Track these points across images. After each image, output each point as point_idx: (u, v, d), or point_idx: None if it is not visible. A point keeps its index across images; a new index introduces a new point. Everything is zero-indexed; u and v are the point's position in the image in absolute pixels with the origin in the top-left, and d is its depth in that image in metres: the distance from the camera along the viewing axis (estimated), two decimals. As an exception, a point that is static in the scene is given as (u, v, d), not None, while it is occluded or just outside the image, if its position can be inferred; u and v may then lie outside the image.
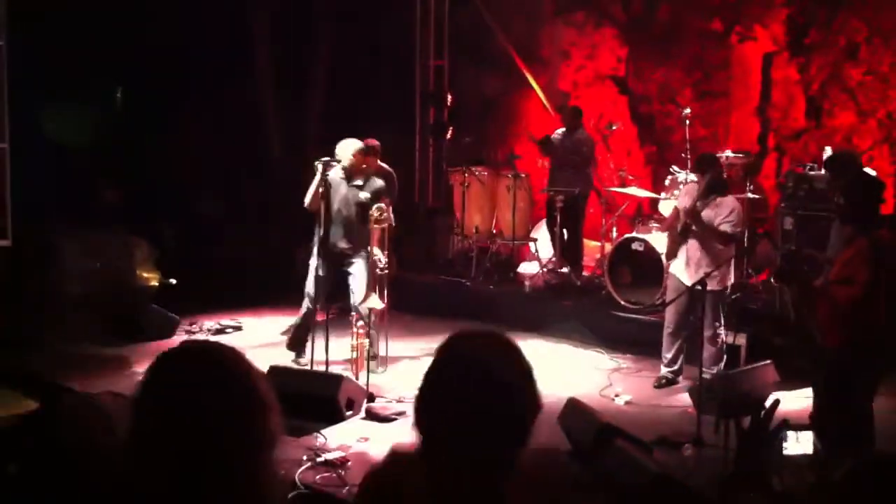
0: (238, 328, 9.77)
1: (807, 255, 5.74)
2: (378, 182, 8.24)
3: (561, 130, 10.56)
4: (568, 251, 10.35)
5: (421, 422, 2.17)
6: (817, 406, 6.42)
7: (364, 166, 8.22)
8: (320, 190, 7.90)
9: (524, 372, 2.16)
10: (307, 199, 8.03)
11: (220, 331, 9.59)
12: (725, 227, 7.47)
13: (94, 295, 10.32)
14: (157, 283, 11.29)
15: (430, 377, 2.17)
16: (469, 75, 12.72)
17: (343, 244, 8.14)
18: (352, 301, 8.06)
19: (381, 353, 8.29)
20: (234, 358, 2.14)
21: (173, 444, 2.03)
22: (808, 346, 6.10)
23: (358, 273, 8.10)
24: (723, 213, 7.50)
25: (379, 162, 9.37)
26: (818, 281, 5.69)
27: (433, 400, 2.16)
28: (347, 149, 8.08)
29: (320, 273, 8.08)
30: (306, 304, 8.23)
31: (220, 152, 12.57)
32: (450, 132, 11.63)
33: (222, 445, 2.04)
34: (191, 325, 9.69)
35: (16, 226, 10.26)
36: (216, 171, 12.64)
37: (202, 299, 10.40)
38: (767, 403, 2.44)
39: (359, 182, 8.13)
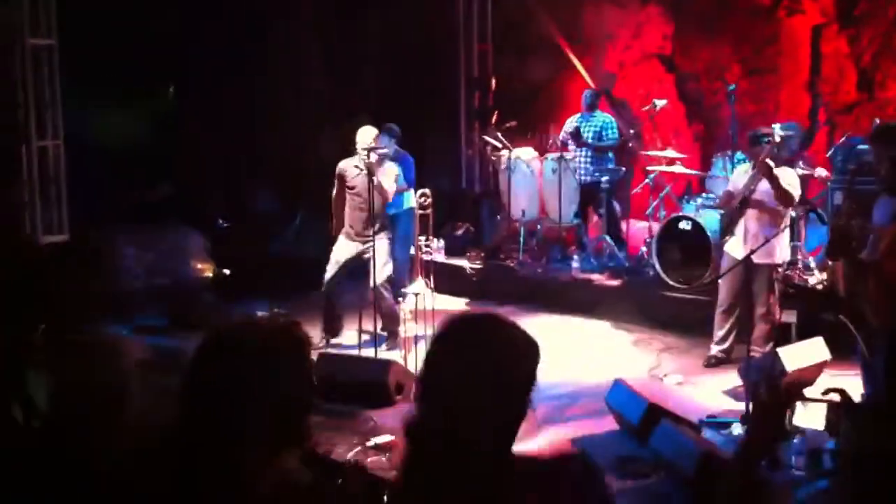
0: (288, 316, 9.86)
1: (857, 229, 5.64)
2: (392, 168, 8.41)
3: (578, 115, 10.66)
4: (612, 232, 10.37)
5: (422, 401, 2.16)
6: (866, 384, 6.37)
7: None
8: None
9: (519, 346, 2.18)
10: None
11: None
12: (788, 189, 7.42)
13: (150, 286, 10.54)
14: (211, 274, 11.50)
15: (432, 359, 2.19)
16: (514, 60, 12.69)
17: (362, 229, 8.33)
18: (372, 282, 8.23)
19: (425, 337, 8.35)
20: (273, 346, 2.21)
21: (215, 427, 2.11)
22: (858, 323, 6.02)
23: (378, 255, 8.24)
24: (785, 178, 7.46)
25: (396, 146, 9.45)
26: (866, 255, 5.61)
27: (436, 380, 2.16)
28: (366, 137, 8.23)
29: (339, 258, 8.39)
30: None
31: (273, 147, 12.74)
32: (495, 116, 11.63)
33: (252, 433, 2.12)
34: (243, 314, 9.79)
35: (72, 221, 10.50)
36: (271, 165, 12.82)
37: (256, 290, 10.55)
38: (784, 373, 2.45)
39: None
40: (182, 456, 2.14)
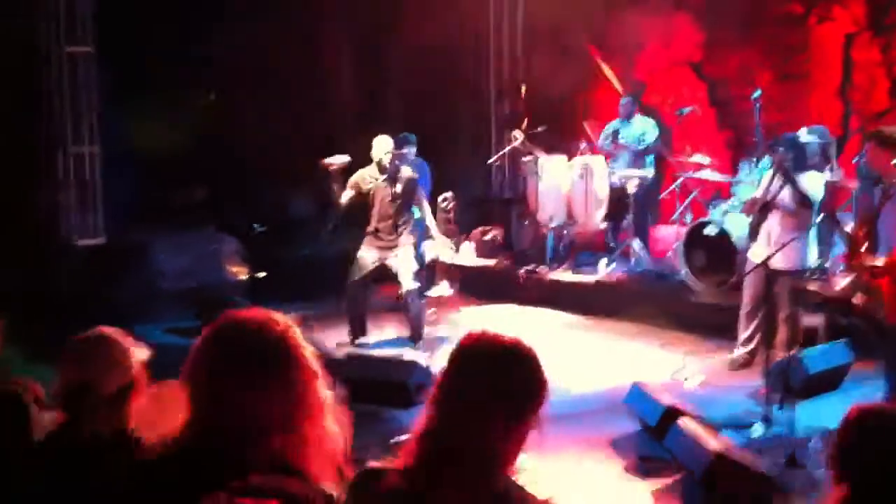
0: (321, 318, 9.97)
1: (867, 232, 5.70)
2: (407, 173, 8.58)
3: (617, 121, 10.74)
4: (639, 236, 10.42)
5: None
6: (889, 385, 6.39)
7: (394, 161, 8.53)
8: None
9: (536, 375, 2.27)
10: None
11: (304, 322, 9.79)
12: (806, 192, 7.44)
13: (185, 289, 10.71)
14: (245, 277, 11.66)
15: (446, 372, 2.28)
16: (544, 66, 12.75)
17: (384, 236, 8.50)
18: (402, 289, 8.38)
19: (449, 339, 8.46)
20: (274, 329, 2.29)
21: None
22: (873, 324, 6.03)
23: (402, 263, 8.41)
24: (806, 182, 7.50)
25: (414, 153, 9.69)
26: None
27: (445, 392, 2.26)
28: (382, 146, 8.42)
29: (365, 263, 8.57)
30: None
31: (307, 151, 12.87)
32: (524, 122, 11.71)
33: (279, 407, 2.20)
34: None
35: (109, 225, 10.71)
36: (306, 172, 12.95)
37: (291, 293, 10.69)
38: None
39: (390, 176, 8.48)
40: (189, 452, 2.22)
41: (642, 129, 10.73)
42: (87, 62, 10.25)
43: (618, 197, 10.59)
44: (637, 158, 10.68)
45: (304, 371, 2.28)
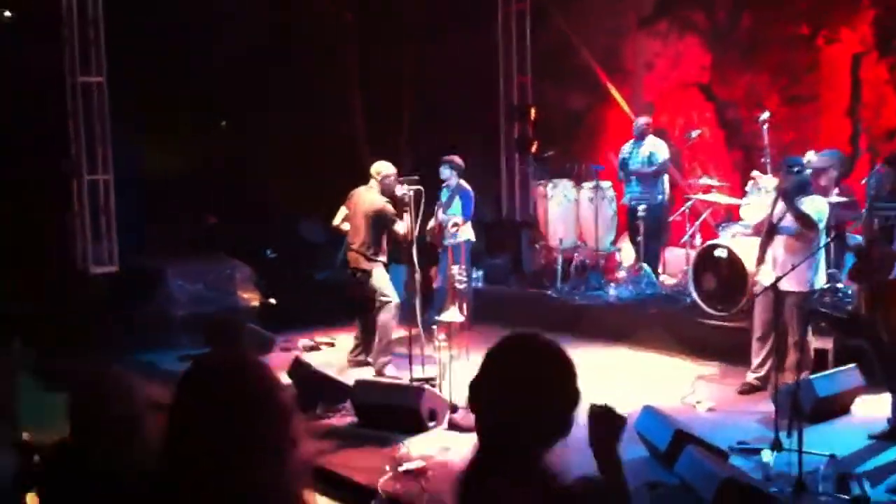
0: (331, 344, 10.05)
1: (878, 253, 5.70)
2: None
3: (630, 142, 10.75)
4: (649, 259, 10.41)
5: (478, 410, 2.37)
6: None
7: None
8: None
9: (562, 368, 2.37)
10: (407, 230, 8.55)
11: (314, 347, 9.87)
12: (808, 215, 7.44)
13: (197, 316, 10.79)
14: (257, 304, 11.73)
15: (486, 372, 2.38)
16: (553, 90, 12.82)
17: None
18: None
19: (462, 364, 8.47)
20: (255, 369, 2.32)
21: (200, 447, 2.22)
22: (880, 348, 6.03)
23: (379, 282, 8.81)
24: (809, 205, 7.51)
25: (459, 179, 9.87)
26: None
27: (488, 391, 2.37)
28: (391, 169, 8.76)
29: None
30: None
31: (319, 176, 12.97)
32: (535, 146, 11.75)
33: (245, 447, 2.22)
34: (286, 342, 10.00)
35: (122, 253, 10.81)
36: (316, 195, 13.03)
37: (300, 318, 10.77)
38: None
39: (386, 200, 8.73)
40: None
41: (652, 149, 10.68)
42: (99, 92, 10.38)
43: (628, 220, 10.61)
44: (649, 180, 10.62)
45: (279, 414, 2.29)
